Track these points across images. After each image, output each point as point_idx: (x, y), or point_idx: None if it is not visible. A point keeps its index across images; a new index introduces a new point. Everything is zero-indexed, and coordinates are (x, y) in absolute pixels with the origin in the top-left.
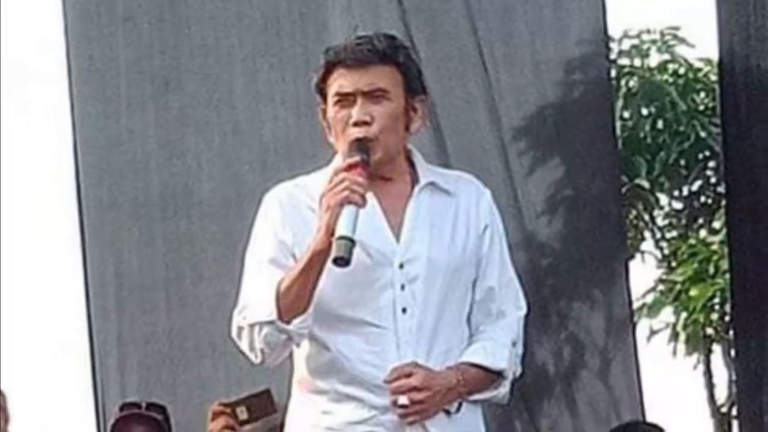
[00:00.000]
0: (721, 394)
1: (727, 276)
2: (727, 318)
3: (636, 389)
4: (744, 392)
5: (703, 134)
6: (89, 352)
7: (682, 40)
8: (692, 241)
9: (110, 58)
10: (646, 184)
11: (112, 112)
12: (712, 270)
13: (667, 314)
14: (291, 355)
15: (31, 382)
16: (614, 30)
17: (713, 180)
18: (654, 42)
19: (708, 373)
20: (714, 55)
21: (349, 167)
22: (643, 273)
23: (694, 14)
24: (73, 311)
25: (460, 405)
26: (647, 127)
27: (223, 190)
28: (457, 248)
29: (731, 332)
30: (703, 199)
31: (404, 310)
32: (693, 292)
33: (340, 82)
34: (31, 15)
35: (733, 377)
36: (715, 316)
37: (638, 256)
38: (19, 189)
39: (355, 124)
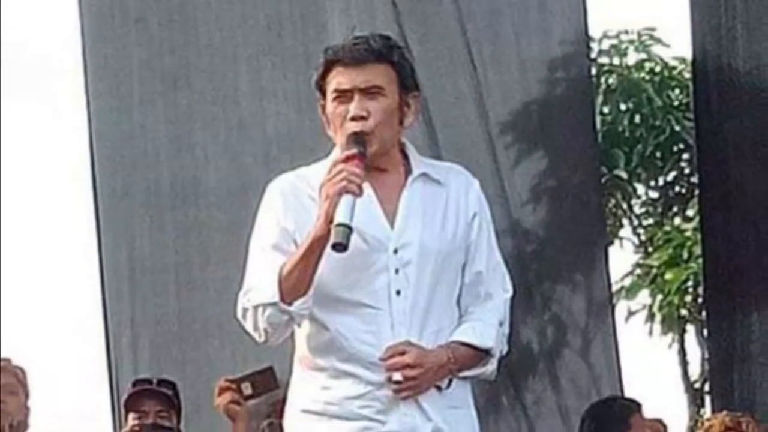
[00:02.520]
0: (695, 371)
1: (700, 261)
2: (700, 300)
3: (615, 366)
4: (716, 369)
5: (677, 128)
6: (104, 332)
7: (658, 40)
8: (667, 228)
9: (123, 57)
10: (624, 175)
11: (125, 107)
12: (686, 255)
13: (643, 296)
14: (292, 335)
15: (49, 360)
16: (595, 31)
17: (687, 171)
18: (632, 42)
19: (682, 352)
20: (688, 54)
21: (347, 159)
22: (622, 258)
23: (669, 16)
24: (89, 294)
25: (450, 381)
26: (625, 122)
27: (229, 181)
28: (448, 235)
29: (704, 313)
30: (677, 188)
31: (398, 293)
32: (668, 276)
33: (339, 79)
34: (53, 17)
35: (706, 355)
36: (688, 298)
37: (617, 242)
38: (39, 179)
39: (353, 119)
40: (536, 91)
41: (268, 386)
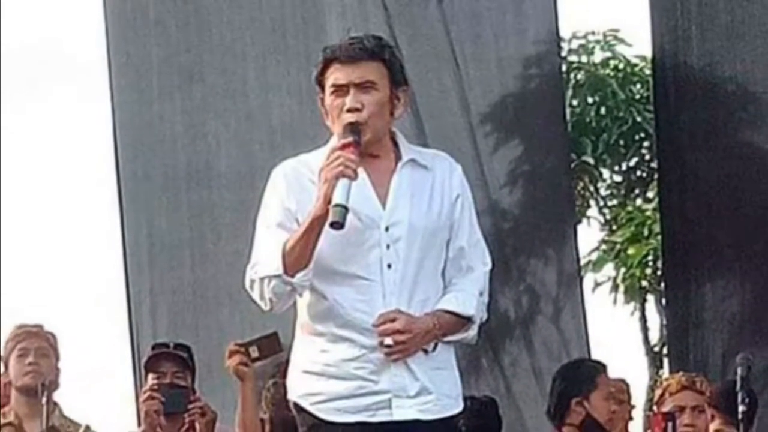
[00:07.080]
0: (654, 336)
1: (659, 237)
2: (659, 272)
3: (583, 332)
4: (673, 335)
5: (639, 119)
6: (126, 301)
7: (621, 40)
8: (630, 208)
9: (143, 55)
10: (591, 161)
11: (145, 100)
12: (646, 232)
13: (608, 269)
14: (295, 303)
15: (77, 326)
16: (565, 32)
17: (647, 157)
18: (598, 42)
19: (643, 319)
20: (648, 52)
21: (344, 146)
22: (589, 235)
23: (631, 18)
24: (113, 267)
25: (436, 345)
26: (592, 113)
27: (238, 166)
28: (434, 214)
29: (662, 284)
30: (638, 173)
31: (389, 266)
32: (630, 251)
33: (336, 75)
34: (81, 20)
35: (664, 322)
36: (649, 271)
37: (585, 220)
38: (69, 165)
39: (349, 111)
40: (512, 86)
41: (273, 350)
